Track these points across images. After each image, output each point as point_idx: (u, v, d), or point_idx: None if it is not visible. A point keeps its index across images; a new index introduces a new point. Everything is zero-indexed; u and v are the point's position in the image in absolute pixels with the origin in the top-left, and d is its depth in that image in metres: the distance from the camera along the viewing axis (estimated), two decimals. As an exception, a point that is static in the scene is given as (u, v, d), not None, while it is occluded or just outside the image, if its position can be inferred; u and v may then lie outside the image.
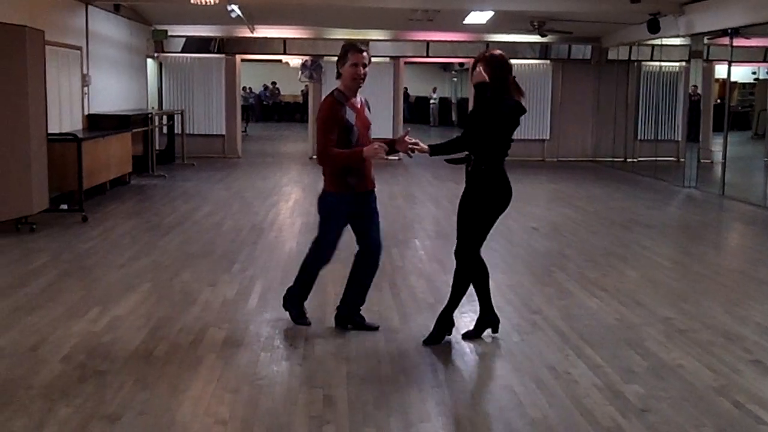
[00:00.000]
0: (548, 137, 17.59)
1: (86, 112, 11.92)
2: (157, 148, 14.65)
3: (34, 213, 8.30)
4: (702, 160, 14.68)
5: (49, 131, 8.85)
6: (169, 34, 15.96)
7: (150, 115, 13.98)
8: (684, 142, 16.02)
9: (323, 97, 5.02)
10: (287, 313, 5.25)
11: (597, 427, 3.71)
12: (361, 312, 5.17)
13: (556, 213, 10.05)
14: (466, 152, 4.83)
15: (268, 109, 32.82)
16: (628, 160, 16.85)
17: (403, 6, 13.15)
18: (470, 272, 4.86)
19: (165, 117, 15.81)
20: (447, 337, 4.93)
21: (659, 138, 16.69)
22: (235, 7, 12.61)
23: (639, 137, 17.44)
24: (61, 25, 10.94)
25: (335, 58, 4.98)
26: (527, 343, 4.93)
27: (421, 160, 17.39)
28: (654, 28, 13.27)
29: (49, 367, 4.33)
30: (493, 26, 15.24)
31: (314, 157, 16.82)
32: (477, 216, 4.76)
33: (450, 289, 4.95)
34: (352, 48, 4.81)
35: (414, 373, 4.38)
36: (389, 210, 10.33)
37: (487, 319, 4.99)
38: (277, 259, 7.27)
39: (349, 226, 5.05)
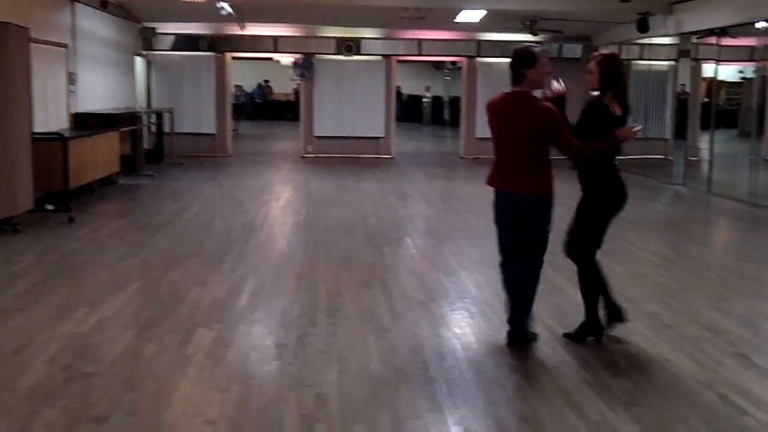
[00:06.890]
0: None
1: (73, 111, 11.83)
2: (146, 147, 14.59)
3: (19, 213, 8.23)
4: (690, 158, 14.76)
5: (35, 130, 8.81)
6: (158, 31, 15.89)
7: (138, 114, 13.90)
8: (672, 140, 16.10)
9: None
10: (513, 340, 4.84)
11: (586, 421, 3.72)
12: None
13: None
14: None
15: (259, 108, 32.73)
16: (617, 157, 16.85)
17: (395, 4, 13.13)
18: (592, 270, 4.84)
19: (153, 115, 15.73)
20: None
21: (647, 136, 16.72)
22: (225, 4, 12.57)
23: (628, 135, 17.43)
24: (46, 22, 10.86)
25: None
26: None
27: (413, 159, 17.41)
28: (643, 27, 13.34)
29: (34, 369, 4.29)
30: (485, 25, 15.26)
31: (306, 156, 16.83)
32: (594, 218, 4.82)
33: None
34: (540, 52, 4.86)
35: (404, 371, 4.37)
36: (381, 208, 10.33)
37: (592, 326, 4.91)
38: (268, 258, 7.24)
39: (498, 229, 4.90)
